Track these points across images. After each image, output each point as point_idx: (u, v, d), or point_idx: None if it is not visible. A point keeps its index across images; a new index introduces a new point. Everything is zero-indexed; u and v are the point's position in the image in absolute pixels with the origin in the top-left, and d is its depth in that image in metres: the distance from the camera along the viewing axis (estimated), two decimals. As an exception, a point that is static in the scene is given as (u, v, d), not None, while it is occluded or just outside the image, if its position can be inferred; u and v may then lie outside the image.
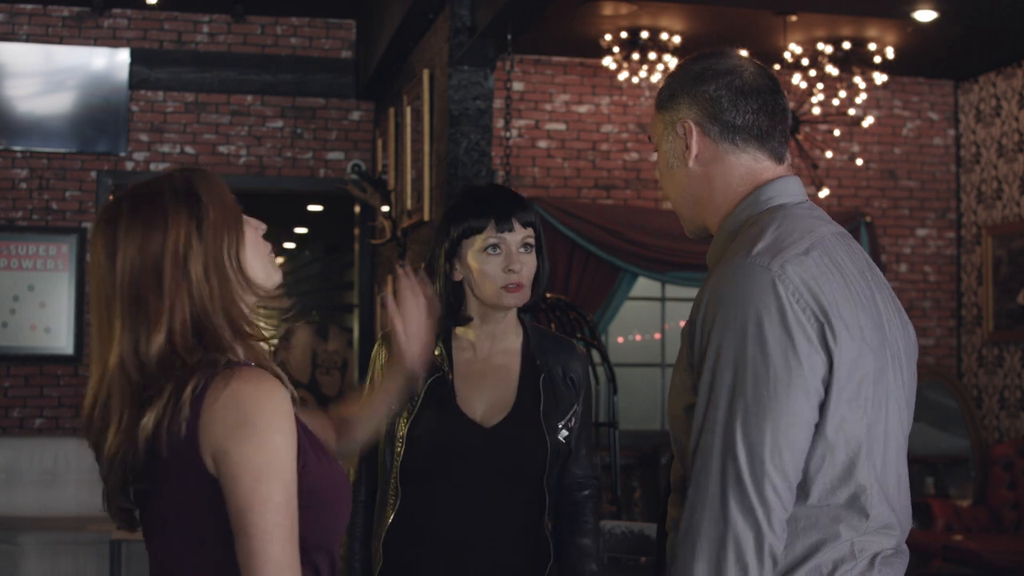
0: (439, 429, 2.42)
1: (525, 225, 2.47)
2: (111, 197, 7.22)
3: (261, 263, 1.72)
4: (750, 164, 1.83)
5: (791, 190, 1.83)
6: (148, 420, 1.57)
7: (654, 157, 2.02)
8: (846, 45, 6.62)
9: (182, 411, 1.56)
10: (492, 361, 2.50)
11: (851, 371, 1.67)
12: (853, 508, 1.69)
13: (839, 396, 1.66)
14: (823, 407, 1.65)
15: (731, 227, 1.81)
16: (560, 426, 2.47)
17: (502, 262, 2.44)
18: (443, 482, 2.41)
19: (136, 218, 1.65)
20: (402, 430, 2.43)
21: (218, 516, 1.55)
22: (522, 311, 2.58)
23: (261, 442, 1.53)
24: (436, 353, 2.45)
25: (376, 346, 2.57)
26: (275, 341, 1.69)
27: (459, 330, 2.53)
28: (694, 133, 1.82)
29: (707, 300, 1.68)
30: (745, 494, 1.61)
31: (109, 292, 1.64)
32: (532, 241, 2.47)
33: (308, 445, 1.63)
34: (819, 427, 1.66)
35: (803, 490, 1.67)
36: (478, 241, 2.45)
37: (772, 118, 1.83)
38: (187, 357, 1.60)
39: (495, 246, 2.44)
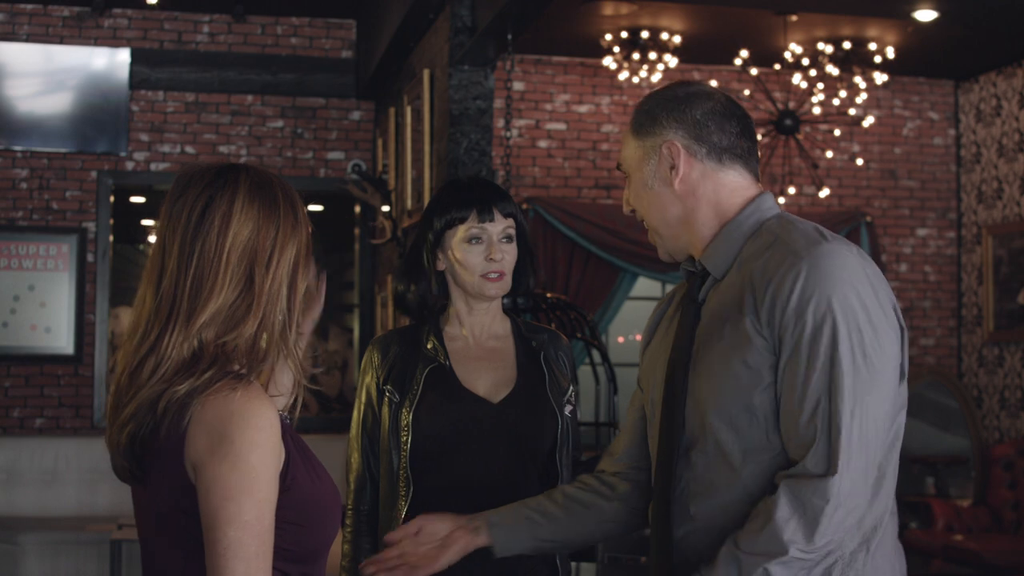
0: (446, 411, 2.44)
1: (506, 216, 2.50)
2: (111, 198, 7.22)
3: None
4: (737, 180, 1.95)
5: (775, 202, 1.97)
6: (182, 388, 1.55)
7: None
8: (846, 45, 6.62)
9: (191, 405, 1.55)
10: (486, 346, 2.54)
11: (906, 349, 1.83)
12: (884, 488, 1.81)
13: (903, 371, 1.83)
14: None
15: (740, 230, 1.91)
16: (564, 401, 2.51)
17: (483, 251, 2.48)
18: (454, 464, 2.43)
19: (255, 197, 1.63)
20: (406, 419, 2.44)
21: (192, 522, 1.54)
22: (522, 311, 2.61)
23: (237, 459, 1.51)
24: (429, 346, 2.50)
25: (368, 352, 2.58)
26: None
27: (444, 324, 2.57)
28: (682, 154, 1.92)
29: (803, 285, 1.76)
30: (870, 467, 1.74)
31: (210, 255, 1.59)
32: (513, 232, 2.51)
33: (298, 457, 1.61)
34: None
35: None
36: (460, 231, 2.49)
37: (751, 140, 1.96)
38: (245, 356, 1.59)
39: (477, 237, 2.48)
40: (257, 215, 1.62)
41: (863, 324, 1.74)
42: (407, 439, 2.43)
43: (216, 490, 1.50)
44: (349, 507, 2.55)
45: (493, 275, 2.48)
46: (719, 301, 1.88)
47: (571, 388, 2.56)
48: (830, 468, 1.71)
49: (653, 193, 1.95)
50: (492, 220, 2.48)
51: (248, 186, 1.63)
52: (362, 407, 2.55)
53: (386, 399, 2.49)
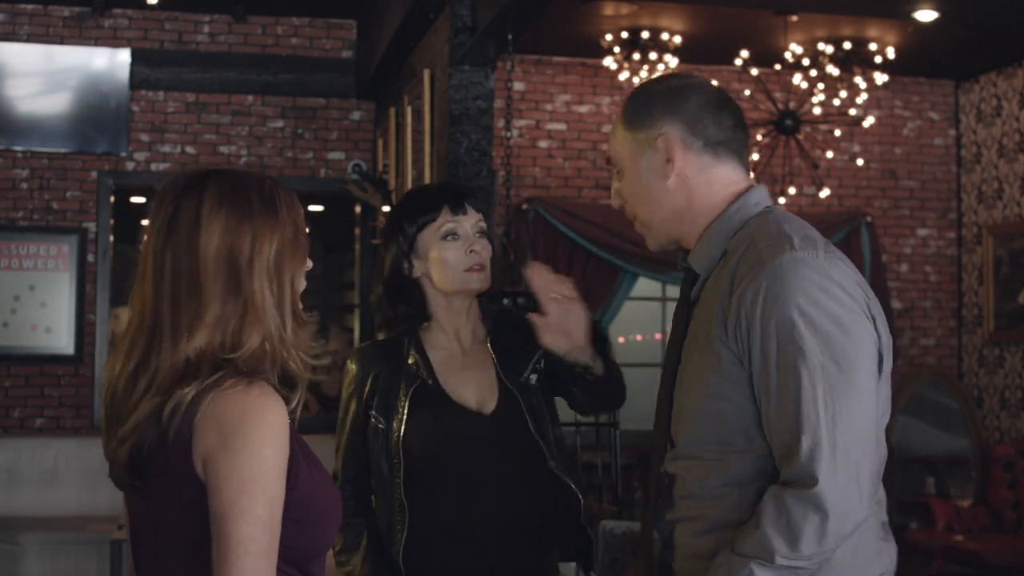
0: (439, 428, 2.41)
1: (477, 210, 2.51)
2: (111, 198, 7.22)
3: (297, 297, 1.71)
4: (730, 175, 1.92)
5: (767, 196, 1.94)
6: (189, 392, 1.54)
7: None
8: (847, 45, 6.62)
9: (199, 404, 1.55)
10: (472, 355, 2.51)
11: (888, 349, 1.83)
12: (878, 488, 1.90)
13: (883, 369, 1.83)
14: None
15: (725, 228, 1.89)
16: (534, 380, 2.49)
17: (462, 246, 2.46)
18: (451, 481, 2.41)
19: (223, 202, 1.62)
20: (396, 442, 2.41)
21: (201, 522, 1.53)
22: (524, 311, 2.58)
23: (250, 454, 1.51)
24: (411, 361, 2.47)
25: (348, 369, 2.53)
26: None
27: (426, 334, 2.52)
28: (678, 147, 1.88)
29: (764, 296, 1.75)
30: (861, 473, 1.77)
31: (182, 266, 1.59)
32: (483, 226, 2.51)
33: (301, 457, 1.62)
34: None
35: None
36: (433, 230, 2.46)
37: (744, 133, 1.94)
38: (242, 357, 1.58)
39: (452, 232, 2.46)
40: (226, 220, 1.60)
41: (831, 329, 1.72)
42: (399, 462, 2.40)
43: (230, 483, 1.50)
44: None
45: (476, 267, 2.46)
46: (705, 303, 1.87)
47: (539, 351, 2.49)
48: (812, 479, 1.69)
49: (647, 187, 1.92)
50: (465, 213, 2.47)
51: (215, 192, 1.62)
52: (347, 430, 2.51)
53: (371, 424, 2.46)
